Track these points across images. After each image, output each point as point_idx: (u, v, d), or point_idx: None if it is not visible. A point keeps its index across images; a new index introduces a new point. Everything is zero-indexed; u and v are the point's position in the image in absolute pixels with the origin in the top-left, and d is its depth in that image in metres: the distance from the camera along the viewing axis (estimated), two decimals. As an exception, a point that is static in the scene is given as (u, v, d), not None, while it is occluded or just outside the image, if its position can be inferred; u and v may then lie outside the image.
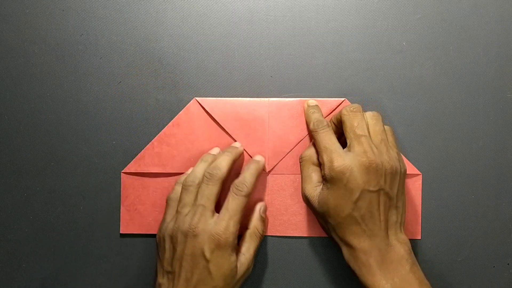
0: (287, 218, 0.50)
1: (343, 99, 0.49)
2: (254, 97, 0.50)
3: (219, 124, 0.50)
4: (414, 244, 0.49)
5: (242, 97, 0.50)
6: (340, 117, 0.46)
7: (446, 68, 0.50)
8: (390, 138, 0.46)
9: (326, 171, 0.43)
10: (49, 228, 0.51)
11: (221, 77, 0.51)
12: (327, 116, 0.49)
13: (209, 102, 0.50)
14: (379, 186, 0.42)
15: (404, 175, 0.44)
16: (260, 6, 0.50)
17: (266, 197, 0.50)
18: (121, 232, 0.50)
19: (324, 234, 0.50)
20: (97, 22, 0.51)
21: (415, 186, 0.49)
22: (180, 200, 0.45)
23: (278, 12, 0.50)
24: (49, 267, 0.51)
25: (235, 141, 0.50)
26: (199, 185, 0.45)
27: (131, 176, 0.50)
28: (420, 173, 0.49)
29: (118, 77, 0.51)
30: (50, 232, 0.51)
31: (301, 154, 0.48)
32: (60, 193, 0.51)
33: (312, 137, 0.47)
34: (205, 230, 0.42)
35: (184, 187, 0.45)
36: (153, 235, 0.50)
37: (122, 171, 0.50)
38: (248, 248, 0.46)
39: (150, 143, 0.50)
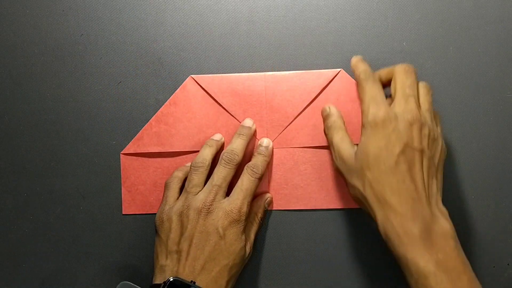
0: (288, 192, 0.50)
1: (339, 69, 0.49)
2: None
3: (216, 101, 0.50)
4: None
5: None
6: (392, 72, 0.44)
7: (446, 68, 0.50)
8: (437, 116, 0.45)
9: (370, 118, 0.41)
10: (49, 228, 0.51)
11: (221, 77, 0.51)
12: (324, 88, 0.49)
13: (205, 79, 0.50)
14: (422, 146, 0.40)
15: (444, 152, 0.43)
16: (260, 6, 0.50)
17: (267, 172, 0.50)
18: (123, 213, 0.50)
19: (326, 206, 0.50)
20: (97, 22, 0.51)
21: None
22: (189, 181, 0.46)
23: (278, 12, 0.50)
24: (49, 267, 0.51)
25: (233, 117, 0.49)
26: (208, 167, 0.46)
27: (130, 157, 0.50)
28: None
29: (118, 77, 0.51)
30: (50, 232, 0.51)
31: (326, 123, 0.46)
32: (60, 193, 0.51)
33: (359, 85, 0.44)
34: (220, 208, 0.43)
35: (194, 169, 0.46)
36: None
37: (121, 152, 0.50)
38: (249, 234, 0.46)
39: (148, 123, 0.50)
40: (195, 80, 0.50)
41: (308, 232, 0.50)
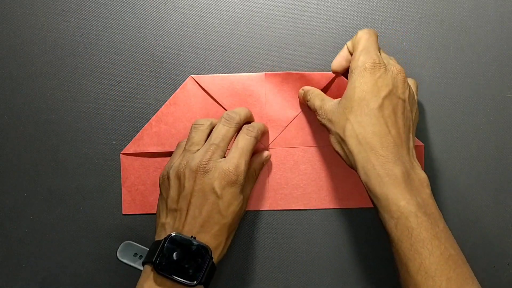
0: (288, 192, 0.50)
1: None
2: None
3: (216, 101, 0.50)
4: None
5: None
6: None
7: (446, 68, 0.50)
8: (414, 83, 0.46)
9: (360, 63, 0.41)
10: (49, 228, 0.51)
11: (221, 77, 0.51)
12: (324, 88, 0.48)
13: (205, 79, 0.50)
14: (404, 97, 0.41)
15: (418, 116, 0.44)
16: (260, 6, 0.50)
17: (267, 172, 0.50)
18: (123, 213, 0.50)
19: (326, 206, 0.50)
20: (97, 22, 0.51)
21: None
22: (188, 139, 0.45)
23: (278, 12, 0.50)
24: (49, 267, 0.51)
25: None
26: (209, 127, 0.46)
27: (130, 157, 0.50)
28: (422, 144, 0.49)
29: (118, 77, 0.51)
30: (50, 232, 0.51)
31: (306, 99, 0.46)
32: (60, 193, 0.51)
33: (355, 39, 0.44)
34: (216, 167, 0.42)
35: (194, 127, 0.46)
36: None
37: (121, 152, 0.50)
38: (245, 188, 0.46)
39: (148, 123, 0.50)
40: (195, 80, 0.50)
41: (308, 232, 0.50)
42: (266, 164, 0.49)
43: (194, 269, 0.40)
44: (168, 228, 0.43)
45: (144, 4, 0.51)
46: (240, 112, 0.46)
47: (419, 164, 0.41)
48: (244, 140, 0.44)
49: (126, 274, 0.50)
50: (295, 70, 0.50)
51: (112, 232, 0.51)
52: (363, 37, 0.43)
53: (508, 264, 0.50)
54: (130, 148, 0.50)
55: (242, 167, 0.43)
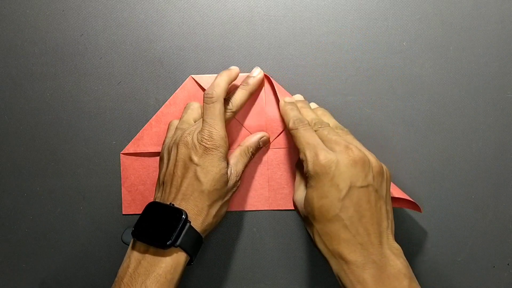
0: (289, 192, 0.50)
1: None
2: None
3: None
4: (414, 242, 0.49)
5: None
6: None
7: (446, 68, 0.50)
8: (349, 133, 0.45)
9: (310, 167, 0.40)
10: (49, 228, 0.51)
11: (221, 77, 0.51)
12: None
13: (205, 79, 0.50)
14: (368, 182, 0.39)
15: (389, 178, 0.42)
16: (260, 6, 0.50)
17: (267, 172, 0.50)
18: (123, 213, 0.50)
19: None
20: (97, 22, 0.51)
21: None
22: (180, 119, 0.48)
23: (278, 12, 0.50)
24: (49, 267, 0.51)
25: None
26: (200, 108, 0.47)
27: (130, 157, 0.51)
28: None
29: (118, 77, 0.51)
30: (50, 232, 0.51)
31: (296, 164, 0.48)
32: (60, 193, 0.51)
33: (292, 135, 0.44)
34: (193, 138, 0.43)
35: (186, 107, 0.49)
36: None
37: (121, 152, 0.50)
38: (236, 163, 0.46)
39: (148, 123, 0.50)
40: (195, 80, 0.50)
41: (307, 232, 0.50)
42: (263, 146, 0.49)
43: (168, 232, 0.40)
44: (157, 200, 0.44)
45: (144, 4, 0.51)
46: (215, 84, 0.45)
47: (396, 248, 0.39)
48: (207, 110, 0.44)
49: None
50: (295, 70, 0.50)
51: (112, 232, 0.51)
52: (299, 133, 0.42)
53: (508, 264, 0.50)
54: (130, 148, 0.50)
55: (214, 132, 0.43)
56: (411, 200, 0.46)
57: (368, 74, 0.50)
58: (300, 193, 0.44)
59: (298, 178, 0.46)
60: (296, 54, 0.50)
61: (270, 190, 0.50)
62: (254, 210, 0.50)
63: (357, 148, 0.40)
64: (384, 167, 0.42)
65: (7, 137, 0.51)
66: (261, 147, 0.49)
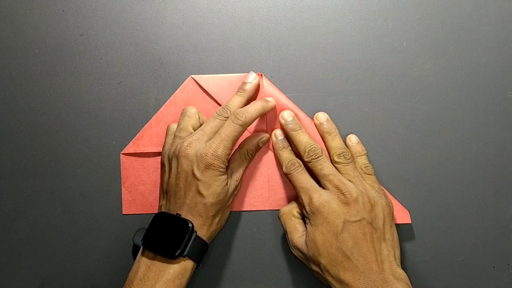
0: (289, 192, 0.50)
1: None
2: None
3: (216, 101, 0.50)
4: (414, 242, 0.49)
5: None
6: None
7: (446, 68, 0.50)
8: (371, 172, 0.47)
9: (307, 208, 0.44)
10: (49, 228, 0.51)
11: (221, 77, 0.51)
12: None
13: (205, 79, 0.50)
14: (360, 216, 0.43)
15: (387, 207, 0.44)
16: (260, 6, 0.50)
17: (267, 172, 0.50)
18: (123, 213, 0.50)
19: None
20: (97, 22, 0.51)
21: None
22: (177, 125, 0.47)
23: (278, 12, 0.50)
24: (49, 267, 0.51)
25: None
26: (196, 113, 0.48)
27: (130, 157, 0.51)
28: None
29: (118, 77, 0.51)
30: (50, 232, 0.51)
31: (280, 211, 0.48)
32: (60, 193, 0.51)
33: (287, 178, 0.46)
34: (196, 152, 0.44)
35: (182, 115, 0.48)
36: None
37: (121, 152, 0.50)
38: (235, 168, 0.47)
39: (148, 123, 0.50)
40: (195, 80, 0.50)
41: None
42: (262, 146, 0.49)
43: (176, 242, 0.43)
44: (163, 209, 0.46)
45: (144, 4, 0.51)
46: (231, 105, 0.46)
47: (399, 273, 0.42)
48: (229, 127, 0.44)
49: (126, 274, 0.50)
50: (295, 70, 0.50)
51: (112, 232, 0.51)
52: (293, 177, 0.45)
53: (508, 264, 0.50)
54: (130, 148, 0.50)
55: (220, 151, 0.43)
56: (402, 211, 0.48)
57: (368, 74, 0.50)
58: (299, 236, 0.45)
59: (290, 223, 0.46)
60: (296, 54, 0.50)
61: (270, 190, 0.50)
62: (254, 210, 0.50)
63: (346, 186, 0.43)
64: (384, 201, 0.44)
65: (7, 137, 0.51)
66: (261, 147, 0.49)
